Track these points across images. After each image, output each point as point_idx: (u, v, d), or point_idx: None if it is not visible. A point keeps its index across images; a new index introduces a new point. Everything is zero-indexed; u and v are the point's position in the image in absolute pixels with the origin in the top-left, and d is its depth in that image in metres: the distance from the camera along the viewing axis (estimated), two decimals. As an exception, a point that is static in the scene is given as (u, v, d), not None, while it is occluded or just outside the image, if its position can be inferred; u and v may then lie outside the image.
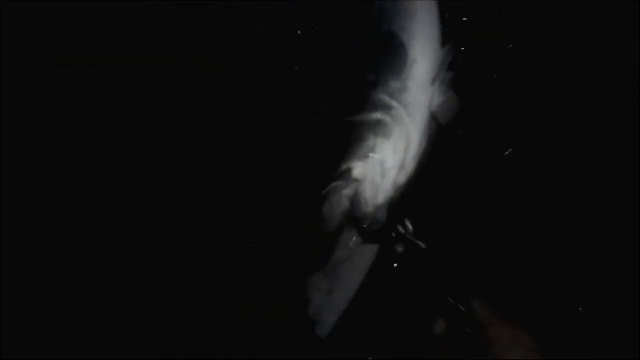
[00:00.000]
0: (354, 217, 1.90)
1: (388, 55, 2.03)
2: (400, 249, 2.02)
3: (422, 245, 2.02)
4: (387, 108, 1.97)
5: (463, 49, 2.13)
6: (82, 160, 2.26)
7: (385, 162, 1.93)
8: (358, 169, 1.92)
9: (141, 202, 2.22)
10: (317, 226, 1.91)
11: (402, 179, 1.95)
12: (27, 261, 2.16)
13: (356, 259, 1.95)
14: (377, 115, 1.97)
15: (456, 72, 2.04)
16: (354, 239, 1.94)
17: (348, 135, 2.00)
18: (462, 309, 1.90)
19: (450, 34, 2.12)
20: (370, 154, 1.94)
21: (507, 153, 2.11)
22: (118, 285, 2.14)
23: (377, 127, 1.96)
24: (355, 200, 1.88)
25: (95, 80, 2.30)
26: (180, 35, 2.29)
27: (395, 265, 2.02)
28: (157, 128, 2.28)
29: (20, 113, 2.26)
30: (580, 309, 1.95)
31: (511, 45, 2.18)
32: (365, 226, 1.92)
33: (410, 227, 2.03)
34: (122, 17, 2.32)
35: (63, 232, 2.19)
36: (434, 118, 2.02)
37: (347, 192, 1.90)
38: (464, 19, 2.22)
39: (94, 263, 2.16)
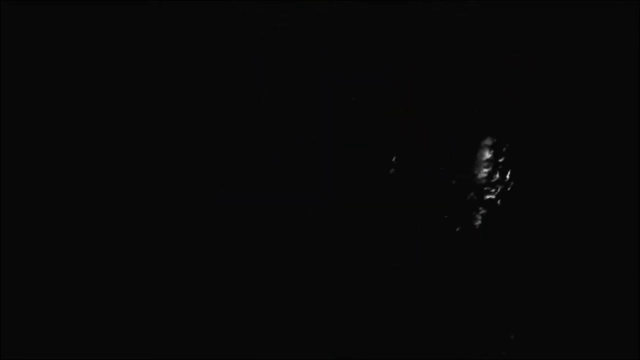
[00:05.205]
0: None
1: None
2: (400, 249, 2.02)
3: (422, 245, 2.02)
4: None
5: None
6: (81, 160, 2.26)
7: None
8: None
9: (140, 201, 2.22)
10: None
11: None
12: (27, 261, 2.16)
13: None
14: None
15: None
16: None
17: None
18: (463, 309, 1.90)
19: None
20: None
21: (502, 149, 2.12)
22: (118, 285, 2.14)
23: None
24: None
25: (95, 80, 2.31)
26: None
27: (396, 265, 2.03)
28: (156, 128, 2.28)
29: (20, 113, 2.26)
30: (578, 310, 1.95)
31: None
32: None
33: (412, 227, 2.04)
34: (122, 17, 2.32)
35: (63, 232, 2.20)
36: None
37: None
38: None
39: (94, 263, 2.17)
